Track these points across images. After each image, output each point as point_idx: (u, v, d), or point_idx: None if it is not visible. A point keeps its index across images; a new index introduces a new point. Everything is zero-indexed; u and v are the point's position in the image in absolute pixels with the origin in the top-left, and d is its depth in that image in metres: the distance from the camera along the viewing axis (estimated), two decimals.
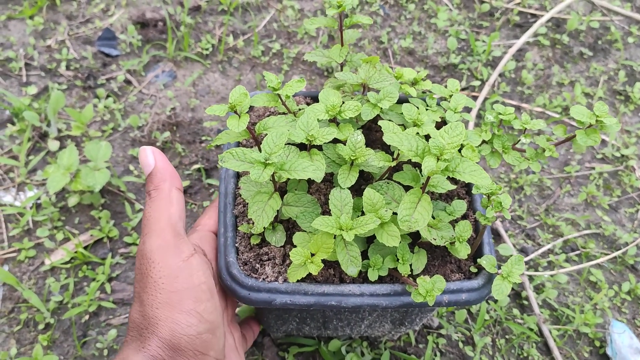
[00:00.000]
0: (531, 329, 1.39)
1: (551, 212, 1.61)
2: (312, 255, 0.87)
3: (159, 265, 0.80)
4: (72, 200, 1.48)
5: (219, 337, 0.83)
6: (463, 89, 1.85)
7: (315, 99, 1.19)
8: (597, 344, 1.39)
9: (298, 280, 0.90)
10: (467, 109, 1.74)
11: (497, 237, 1.53)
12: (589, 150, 1.75)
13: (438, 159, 0.81)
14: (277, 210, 0.92)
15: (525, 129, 1.02)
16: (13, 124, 1.66)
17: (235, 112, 0.93)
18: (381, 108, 0.99)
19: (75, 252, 1.42)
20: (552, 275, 1.47)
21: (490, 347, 1.37)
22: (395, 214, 0.87)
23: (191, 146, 1.64)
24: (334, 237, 0.86)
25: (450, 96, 1.08)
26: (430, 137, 0.99)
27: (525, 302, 1.43)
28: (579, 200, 1.63)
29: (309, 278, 0.93)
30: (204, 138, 1.66)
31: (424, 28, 2.01)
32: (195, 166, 1.59)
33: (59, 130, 1.65)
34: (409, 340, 1.34)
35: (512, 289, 1.45)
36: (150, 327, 0.77)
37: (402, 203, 0.83)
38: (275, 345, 1.29)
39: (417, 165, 0.97)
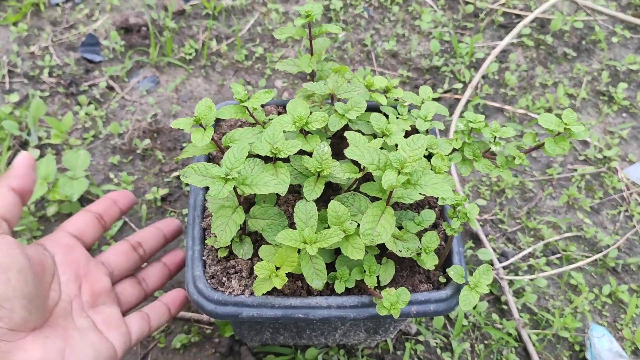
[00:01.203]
0: (510, 334, 1.39)
1: (532, 215, 1.61)
2: (277, 268, 0.87)
3: None
4: (51, 210, 1.48)
5: (9, 308, 0.79)
6: (445, 92, 1.84)
7: (286, 108, 1.19)
8: (577, 348, 1.39)
9: (265, 294, 0.90)
10: (440, 117, 1.73)
11: (477, 241, 1.53)
12: (571, 152, 1.75)
13: (399, 173, 0.81)
14: (244, 223, 0.92)
15: (495, 137, 1.02)
16: None
17: (201, 125, 0.93)
18: (349, 118, 0.99)
19: None
20: (532, 280, 1.46)
21: (469, 352, 1.36)
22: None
23: (172, 153, 1.64)
24: (299, 251, 0.86)
25: (422, 104, 1.08)
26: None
27: (505, 307, 1.43)
28: (561, 202, 1.63)
29: (276, 291, 0.93)
30: (184, 145, 1.66)
31: (408, 30, 2.00)
32: (175, 173, 1.59)
33: (40, 139, 1.65)
34: (386, 347, 1.34)
35: (492, 293, 1.45)
36: None
37: (365, 216, 0.83)
38: (252, 354, 1.29)
39: None
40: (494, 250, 1.52)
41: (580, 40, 2.01)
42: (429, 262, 0.92)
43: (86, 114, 1.71)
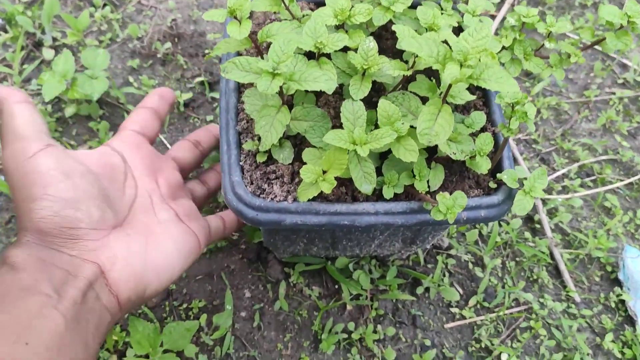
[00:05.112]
0: (542, 252, 1.35)
1: (567, 137, 1.55)
2: (324, 172, 0.81)
3: (11, 174, 0.84)
4: (69, 111, 1.41)
5: (86, 209, 0.83)
6: None
7: (320, 6, 1.10)
8: (609, 268, 1.36)
9: (308, 200, 0.84)
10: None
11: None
12: (610, 75, 1.67)
13: (461, 65, 0.74)
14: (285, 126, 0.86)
15: (550, 32, 0.94)
16: (6, 31, 1.58)
17: (235, 17, 0.85)
18: (394, 12, 0.90)
19: None
20: (567, 199, 1.42)
21: (500, 269, 1.33)
22: (412, 127, 0.81)
23: (194, 59, 1.56)
24: (347, 153, 0.81)
25: None
26: (447, 44, 0.92)
27: (538, 226, 1.40)
28: (598, 125, 1.57)
29: (319, 197, 0.87)
30: (207, 51, 1.58)
31: None
32: (198, 79, 1.52)
33: (54, 39, 1.57)
34: (417, 260, 1.31)
35: None
36: (18, 225, 0.83)
37: (421, 115, 0.76)
38: (279, 263, 1.26)
39: (432, 75, 0.90)
40: (529, 170, 1.47)
41: None
42: (484, 165, 0.86)
43: (102, 16, 1.62)
